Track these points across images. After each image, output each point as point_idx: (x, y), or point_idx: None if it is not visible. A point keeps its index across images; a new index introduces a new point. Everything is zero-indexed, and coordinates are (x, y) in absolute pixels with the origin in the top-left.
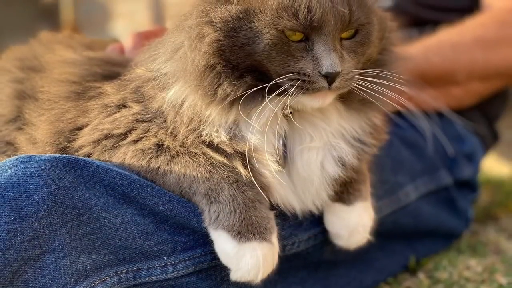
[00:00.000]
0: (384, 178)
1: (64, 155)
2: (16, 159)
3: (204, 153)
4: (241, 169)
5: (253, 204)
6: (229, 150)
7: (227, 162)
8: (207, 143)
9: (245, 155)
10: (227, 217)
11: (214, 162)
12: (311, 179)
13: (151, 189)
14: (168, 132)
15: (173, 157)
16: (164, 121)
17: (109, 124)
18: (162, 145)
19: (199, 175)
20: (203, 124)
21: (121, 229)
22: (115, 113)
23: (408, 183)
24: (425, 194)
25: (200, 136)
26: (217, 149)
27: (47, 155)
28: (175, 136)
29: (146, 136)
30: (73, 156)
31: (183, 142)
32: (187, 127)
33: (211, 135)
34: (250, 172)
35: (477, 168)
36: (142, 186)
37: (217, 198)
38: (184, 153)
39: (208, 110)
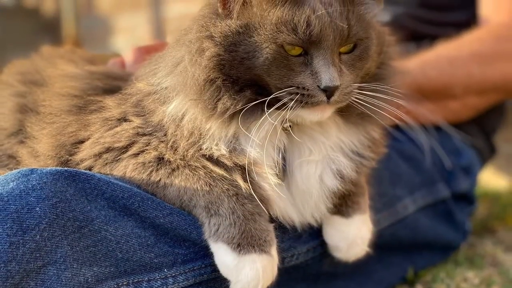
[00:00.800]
0: (383, 191)
1: (66, 168)
2: (18, 172)
3: (204, 166)
4: (240, 182)
5: (253, 216)
6: (229, 163)
7: (227, 175)
8: (207, 156)
9: (244, 168)
10: (227, 230)
11: (214, 175)
12: (310, 192)
13: (152, 202)
14: (168, 145)
15: (173, 170)
16: (165, 135)
17: (110, 138)
18: (163, 158)
19: (199, 188)
20: (203, 137)
21: (122, 241)
22: (116, 126)
23: (406, 196)
24: (423, 207)
25: (200, 149)
26: (217, 162)
27: (49, 168)
28: (176, 150)
29: (146, 150)
30: (74, 169)
31: (183, 156)
32: (188, 140)
33: (211, 148)
34: (250, 185)
35: (474, 181)
36: (143, 199)
37: (217, 211)
38: (185, 166)
39: (208, 124)
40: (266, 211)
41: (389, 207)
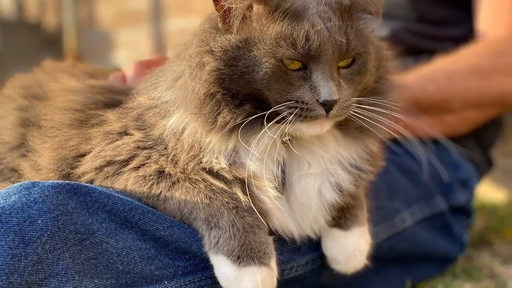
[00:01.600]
0: (381, 204)
1: (67, 181)
2: (20, 185)
3: (204, 180)
4: (240, 195)
5: (252, 229)
6: (228, 176)
7: (227, 188)
8: (207, 169)
9: (244, 182)
10: (227, 242)
11: (214, 188)
12: (309, 205)
13: (152, 215)
14: (169, 159)
15: (174, 183)
16: (165, 148)
17: (111, 151)
18: (163, 171)
19: (199, 201)
20: (203, 151)
21: (123, 253)
22: (117, 140)
23: (404, 209)
24: (420, 220)
25: (201, 162)
26: (217, 175)
27: (51, 181)
28: (176, 163)
29: (147, 163)
30: (75, 182)
31: (183, 169)
32: (188, 154)
33: (211, 161)
34: (249, 198)
35: (471, 194)
36: (144, 211)
37: (217, 224)
38: (185, 180)
39: (208, 137)
40: (265, 224)
41: (387, 220)
